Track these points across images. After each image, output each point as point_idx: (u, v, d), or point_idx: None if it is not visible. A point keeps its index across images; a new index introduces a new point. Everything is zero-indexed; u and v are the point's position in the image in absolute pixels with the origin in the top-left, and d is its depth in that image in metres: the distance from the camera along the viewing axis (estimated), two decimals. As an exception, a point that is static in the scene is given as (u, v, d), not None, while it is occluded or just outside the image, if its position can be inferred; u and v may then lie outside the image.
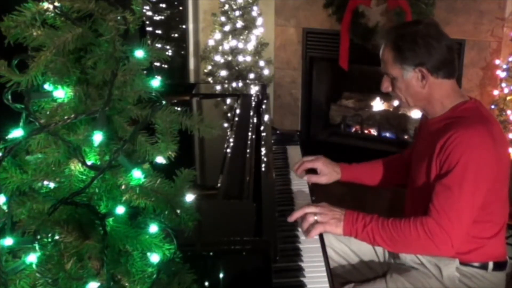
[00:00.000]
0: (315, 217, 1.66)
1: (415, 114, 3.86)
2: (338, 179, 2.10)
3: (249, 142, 1.92)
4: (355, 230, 1.64)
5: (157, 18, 4.28)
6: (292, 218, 1.68)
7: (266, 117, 2.28)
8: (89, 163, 0.89)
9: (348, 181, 2.12)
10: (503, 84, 3.22)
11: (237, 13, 3.89)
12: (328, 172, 2.07)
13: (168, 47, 4.25)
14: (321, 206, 1.69)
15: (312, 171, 2.10)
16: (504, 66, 3.22)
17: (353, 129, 4.16)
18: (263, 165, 1.82)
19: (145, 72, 0.93)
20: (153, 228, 0.92)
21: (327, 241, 1.75)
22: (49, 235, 0.87)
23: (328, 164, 2.08)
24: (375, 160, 2.15)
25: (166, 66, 3.87)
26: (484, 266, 1.73)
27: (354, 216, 1.65)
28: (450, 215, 1.57)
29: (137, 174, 0.91)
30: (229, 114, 2.31)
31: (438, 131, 1.70)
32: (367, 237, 1.63)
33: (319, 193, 2.06)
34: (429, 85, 1.71)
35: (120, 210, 0.90)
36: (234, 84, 3.31)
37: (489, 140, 1.62)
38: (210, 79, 4.00)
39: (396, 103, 4.06)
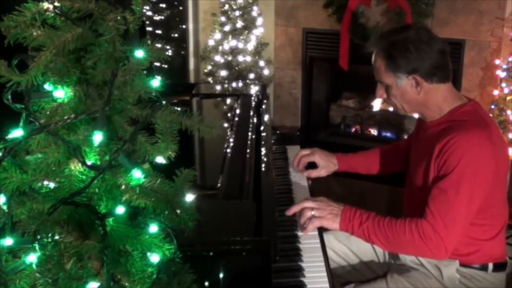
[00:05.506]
0: (312, 212, 1.66)
1: (415, 114, 3.85)
2: (336, 169, 2.11)
3: (249, 142, 1.92)
4: (351, 227, 1.64)
5: (157, 18, 4.27)
6: (290, 212, 1.69)
7: (266, 117, 2.28)
8: (89, 163, 0.89)
9: (346, 171, 2.14)
10: (503, 84, 3.21)
11: (237, 13, 3.89)
12: (325, 164, 2.10)
13: (168, 47, 4.24)
14: (319, 201, 1.69)
15: (311, 166, 2.11)
16: (504, 66, 3.22)
17: (353, 129, 4.16)
18: (263, 165, 1.82)
19: (145, 72, 0.93)
20: (153, 228, 0.92)
21: (327, 242, 1.75)
22: (49, 235, 0.87)
23: (324, 156, 2.10)
24: (371, 149, 2.16)
25: (166, 66, 3.86)
26: (484, 267, 1.73)
27: (351, 212, 1.65)
28: (445, 220, 1.56)
29: (137, 174, 0.91)
30: (229, 114, 2.31)
31: (437, 134, 1.69)
32: (363, 235, 1.63)
33: (319, 193, 2.06)
34: (424, 91, 1.70)
35: (120, 210, 0.90)
36: (234, 84, 3.31)
37: (488, 144, 1.62)
38: (210, 79, 4.00)
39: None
